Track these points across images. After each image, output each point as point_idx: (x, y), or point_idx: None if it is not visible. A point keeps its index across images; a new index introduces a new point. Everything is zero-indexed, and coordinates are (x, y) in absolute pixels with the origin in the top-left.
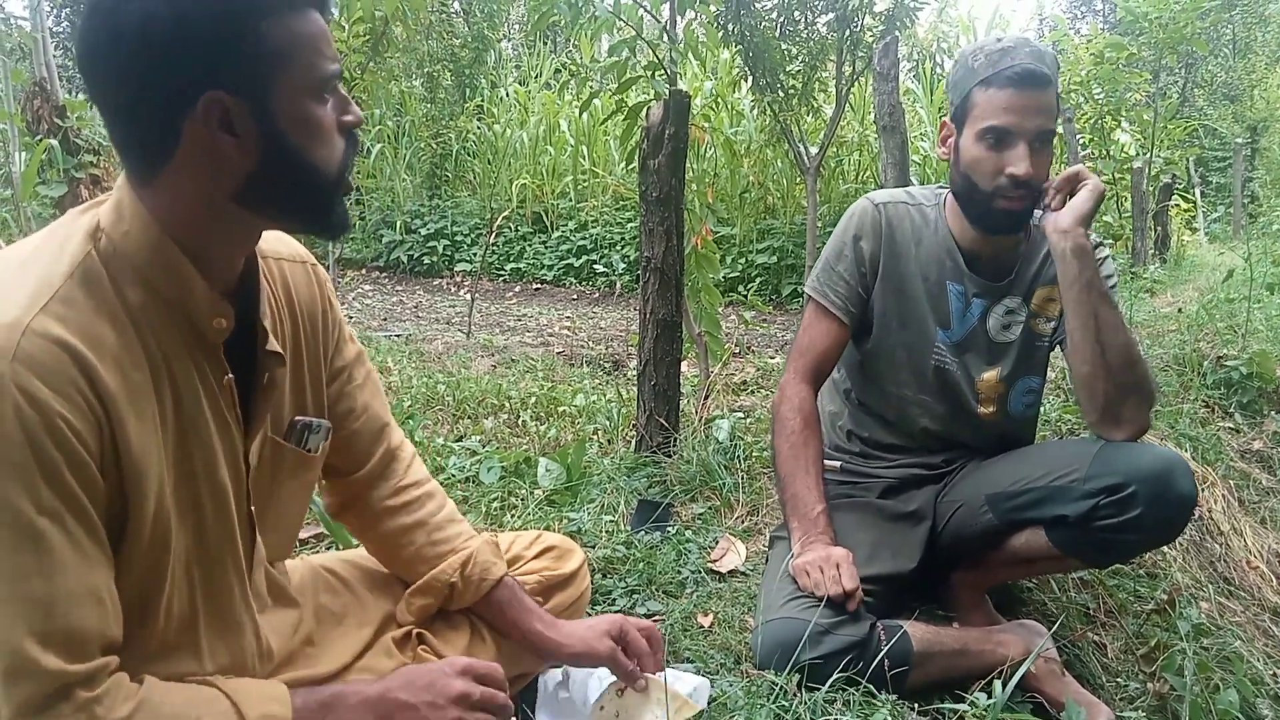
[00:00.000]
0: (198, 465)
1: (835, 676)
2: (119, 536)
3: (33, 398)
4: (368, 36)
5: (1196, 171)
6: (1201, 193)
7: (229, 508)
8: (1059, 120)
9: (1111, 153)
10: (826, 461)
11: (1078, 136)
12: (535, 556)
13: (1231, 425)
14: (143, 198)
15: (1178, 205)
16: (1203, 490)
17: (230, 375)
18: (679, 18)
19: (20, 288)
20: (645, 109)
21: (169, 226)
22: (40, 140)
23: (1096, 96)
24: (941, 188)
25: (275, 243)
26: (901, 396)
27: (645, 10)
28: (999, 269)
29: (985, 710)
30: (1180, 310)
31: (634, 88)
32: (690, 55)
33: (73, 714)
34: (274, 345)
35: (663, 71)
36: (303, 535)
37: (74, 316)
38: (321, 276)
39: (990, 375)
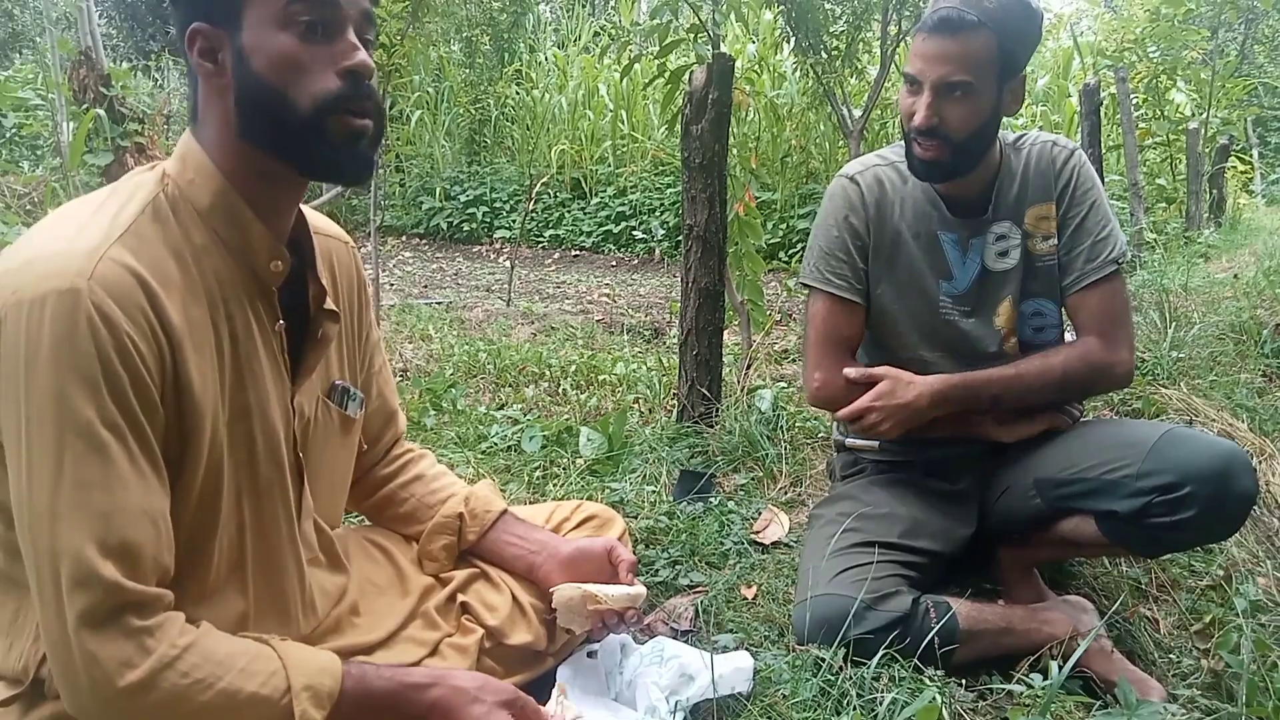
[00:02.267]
0: (251, 402)
1: (881, 653)
2: (177, 469)
3: (106, 316)
4: (406, 5)
5: (1255, 132)
6: (1260, 154)
7: (280, 449)
8: (994, 71)
9: (1166, 113)
10: (863, 441)
11: (1131, 97)
12: (577, 525)
13: None
14: (197, 138)
15: (1234, 167)
16: (1260, 464)
17: (282, 321)
18: None
19: (97, 224)
20: (688, 73)
21: (223, 168)
22: (87, 109)
23: (1151, 55)
24: None
25: (321, 221)
26: (913, 359)
27: None
28: (980, 200)
29: (1041, 691)
30: (1237, 276)
31: (675, 51)
32: (732, 17)
33: (125, 639)
34: (330, 304)
35: (705, 35)
36: None
37: (145, 250)
38: (359, 258)
39: (1004, 305)
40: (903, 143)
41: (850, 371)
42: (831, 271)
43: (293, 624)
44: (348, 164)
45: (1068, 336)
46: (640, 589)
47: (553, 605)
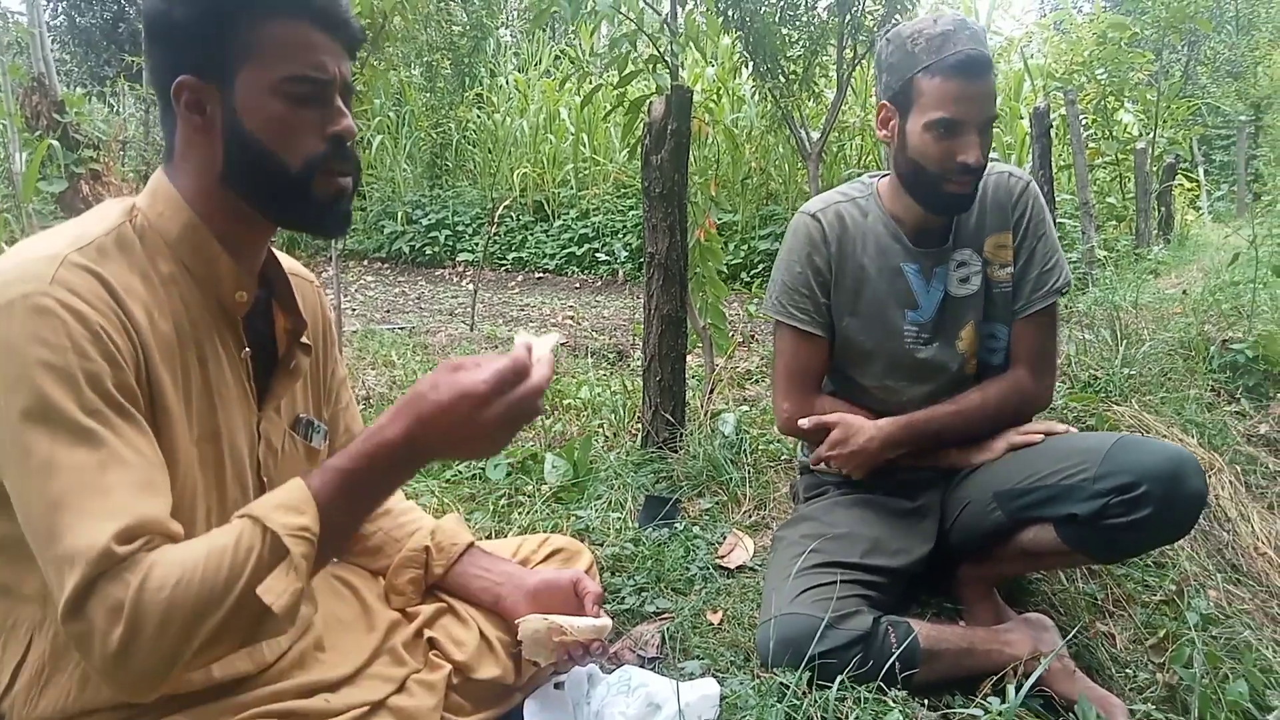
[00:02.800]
0: (220, 425)
1: (844, 675)
2: None
3: (75, 310)
4: (367, 30)
5: (1200, 150)
6: (1205, 171)
7: (245, 473)
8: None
9: (1114, 133)
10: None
11: (1080, 118)
12: (544, 559)
13: (1238, 409)
14: (171, 178)
15: (1181, 185)
16: (1210, 477)
17: (248, 349)
18: (679, 8)
19: (60, 237)
20: (647, 103)
21: (195, 206)
22: (40, 136)
23: (1099, 77)
24: (872, 176)
25: (286, 261)
26: (878, 386)
27: (645, 3)
28: (942, 230)
29: (999, 714)
30: (1185, 292)
31: (635, 80)
32: (692, 43)
33: (104, 596)
34: (306, 339)
35: (664, 65)
36: None
37: (107, 263)
38: (323, 298)
39: (967, 331)
40: (863, 179)
41: (804, 422)
42: (795, 306)
43: (257, 651)
44: (330, 221)
45: None
46: (606, 621)
47: (518, 637)
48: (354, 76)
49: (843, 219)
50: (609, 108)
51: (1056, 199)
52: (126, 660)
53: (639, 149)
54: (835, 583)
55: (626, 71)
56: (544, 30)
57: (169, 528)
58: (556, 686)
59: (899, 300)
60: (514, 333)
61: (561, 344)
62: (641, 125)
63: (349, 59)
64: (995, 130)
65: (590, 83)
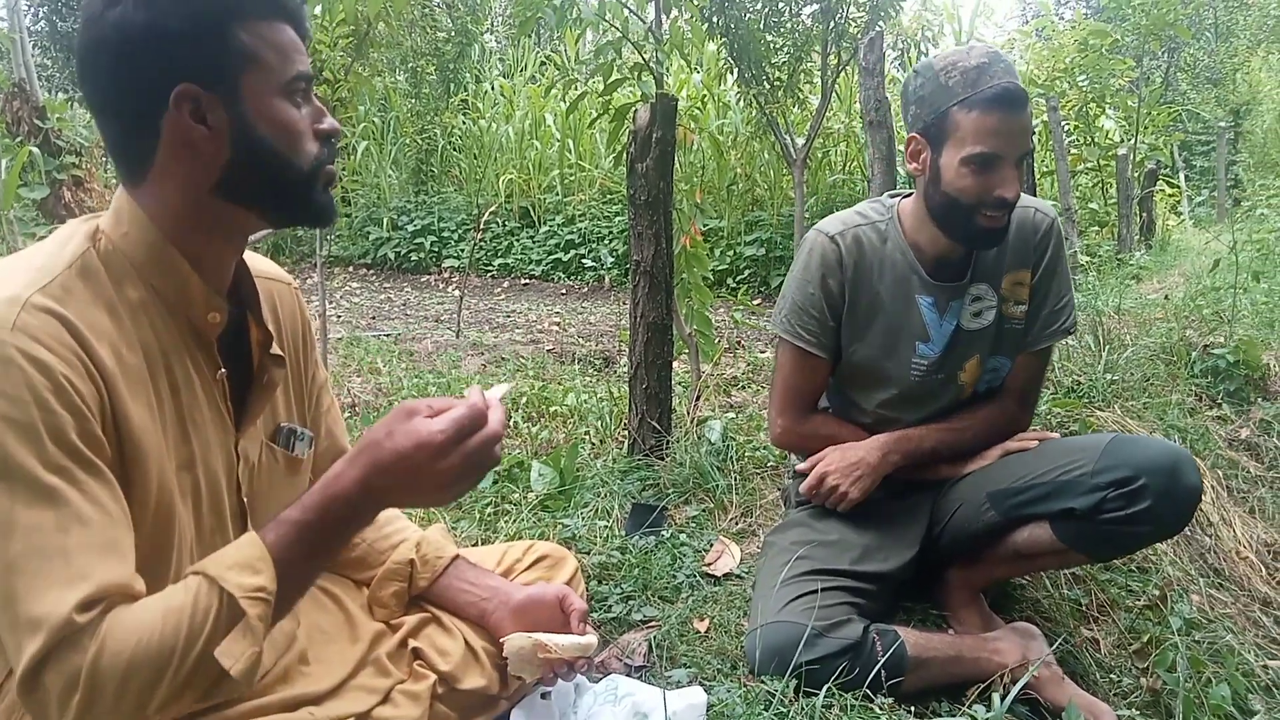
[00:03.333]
0: (196, 452)
1: (831, 683)
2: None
3: (35, 360)
4: (351, 37)
5: (1181, 156)
6: (1186, 177)
7: (221, 498)
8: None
9: (1096, 139)
10: None
11: (1062, 124)
12: (529, 566)
13: (1219, 414)
14: (137, 199)
15: (1162, 190)
16: None
17: (223, 370)
18: (664, 16)
19: (20, 274)
20: (632, 111)
21: (164, 226)
22: (21, 143)
23: (1080, 83)
24: (893, 197)
25: (261, 264)
26: (876, 411)
27: (630, 11)
28: (961, 265)
29: None
30: (1167, 298)
31: (620, 87)
32: (677, 51)
33: (64, 665)
34: (277, 349)
35: (649, 72)
36: None
37: (71, 301)
38: (301, 300)
39: (971, 364)
40: (882, 200)
41: (801, 466)
42: (802, 327)
43: None
44: (329, 209)
45: None
46: (592, 638)
47: (504, 654)
48: (339, 83)
49: (860, 244)
50: (594, 115)
51: None
52: None
53: (624, 157)
54: (824, 590)
55: (611, 79)
56: (529, 36)
57: (131, 589)
58: (543, 696)
59: (911, 332)
60: (472, 387)
61: (511, 392)
62: (626, 133)
63: None
64: None
65: (575, 89)
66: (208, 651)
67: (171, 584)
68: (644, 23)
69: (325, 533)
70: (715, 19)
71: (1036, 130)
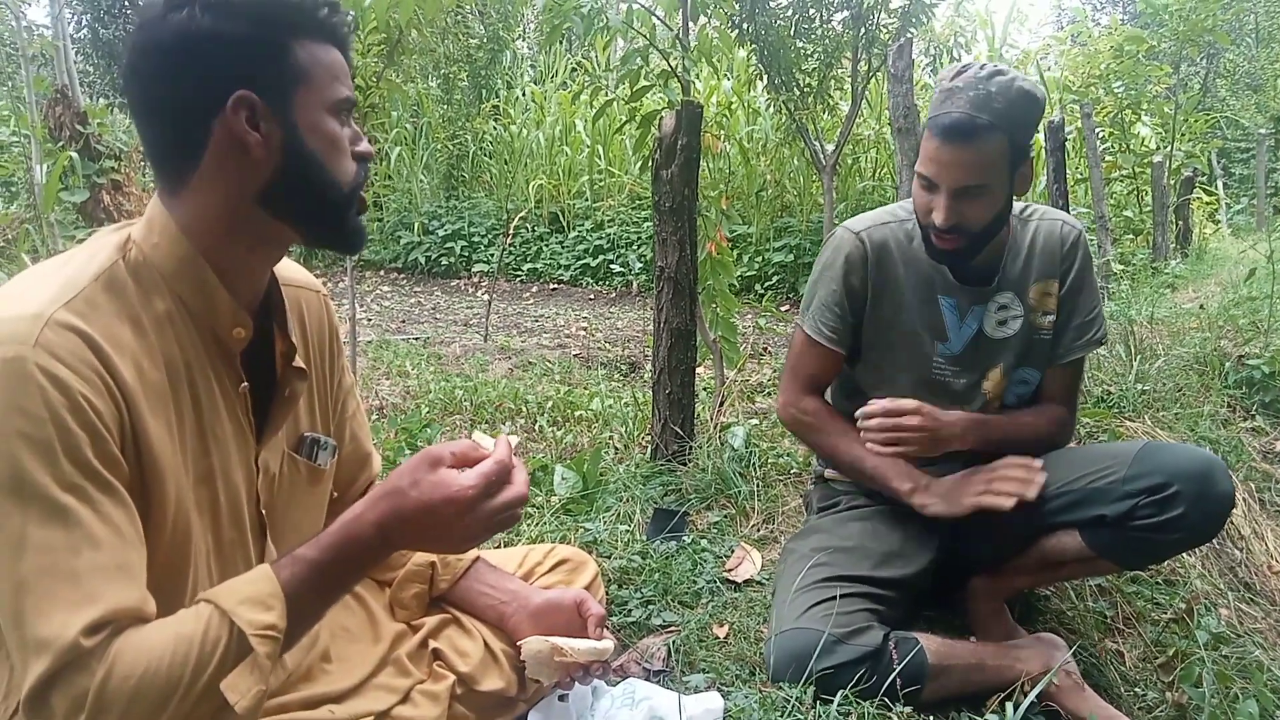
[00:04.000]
0: (215, 466)
1: (851, 690)
2: (142, 527)
3: (55, 378)
4: (382, 44)
5: (1219, 163)
6: (1225, 185)
7: (241, 510)
8: (1006, 166)
9: (1131, 147)
10: (839, 473)
11: (1097, 131)
12: (550, 569)
13: (1253, 426)
14: (172, 210)
15: (1200, 198)
16: None
17: (246, 383)
18: (692, 24)
19: (47, 288)
20: (658, 118)
21: (196, 239)
22: (62, 148)
23: (1116, 90)
24: None
25: (292, 271)
26: None
27: (658, 19)
28: (986, 271)
29: None
30: (1202, 307)
31: (648, 94)
32: (705, 59)
33: (72, 685)
34: (299, 362)
35: (675, 80)
36: None
37: (95, 316)
38: (330, 306)
39: (995, 373)
40: (910, 201)
41: (880, 404)
42: (822, 322)
43: None
44: (361, 234)
45: None
46: (608, 644)
47: (521, 657)
48: (370, 89)
49: (887, 243)
50: (624, 121)
51: (1073, 213)
52: None
53: (649, 163)
54: (844, 597)
55: (638, 86)
56: (560, 42)
57: (141, 611)
58: (561, 699)
59: (932, 331)
60: (472, 433)
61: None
62: (652, 140)
63: None
64: None
65: (603, 96)
66: (214, 684)
67: (188, 599)
68: (671, 30)
69: (338, 572)
70: (745, 25)
71: (1070, 136)
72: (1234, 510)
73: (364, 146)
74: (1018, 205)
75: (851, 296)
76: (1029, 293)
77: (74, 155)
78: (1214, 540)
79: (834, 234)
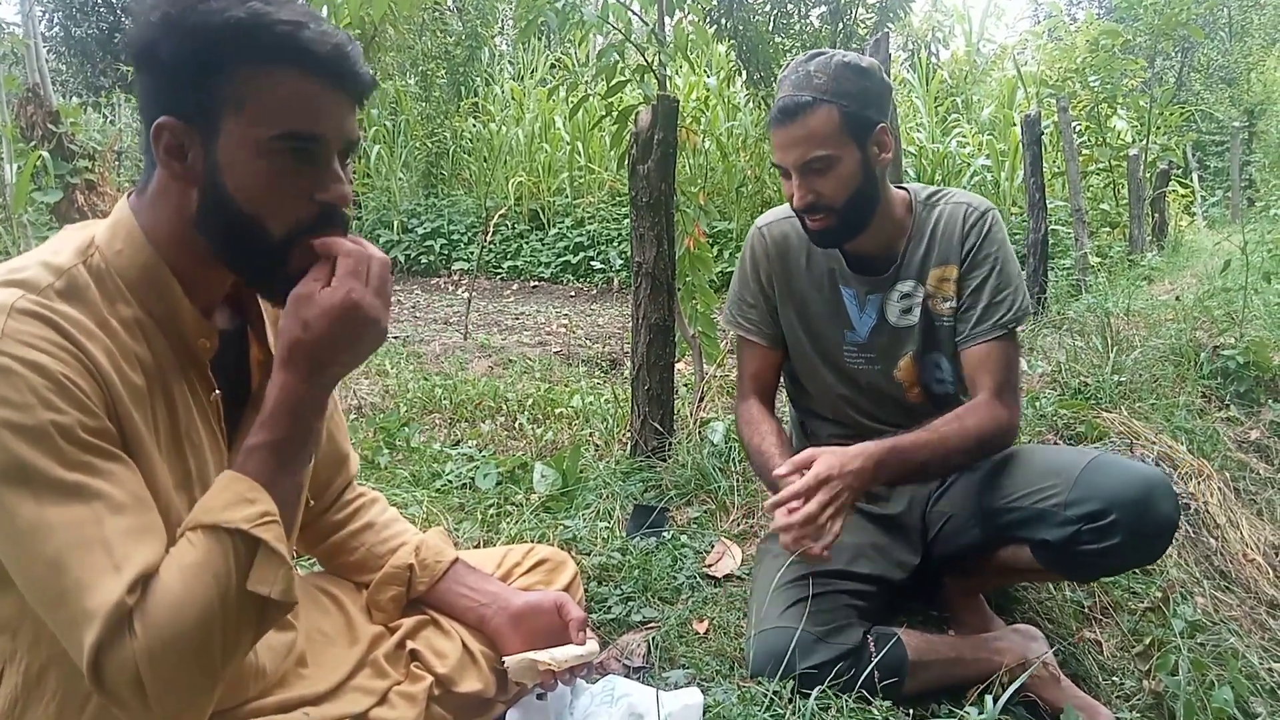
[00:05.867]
0: (193, 471)
1: (831, 684)
2: None
3: (32, 363)
4: (358, 39)
5: (1194, 156)
6: (1200, 177)
7: None
8: (846, 136)
9: (1107, 140)
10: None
11: (1073, 125)
12: (529, 570)
13: (1228, 416)
14: (138, 211)
15: (1175, 191)
16: (1199, 483)
17: (217, 391)
18: (668, 18)
19: (5, 287)
20: (634, 113)
21: (158, 243)
22: (35, 147)
23: (1092, 84)
24: None
25: None
26: (831, 395)
27: (633, 13)
28: (885, 260)
29: None
30: (1178, 299)
31: (625, 89)
32: (681, 54)
33: (122, 648)
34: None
35: (652, 74)
36: None
37: (59, 307)
38: None
39: (905, 361)
40: None
41: (781, 469)
42: (741, 316)
43: (238, 688)
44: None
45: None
46: (593, 647)
47: (508, 675)
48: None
49: (788, 236)
50: (599, 116)
51: (1049, 206)
52: (168, 707)
53: (626, 159)
54: (823, 595)
55: (615, 81)
56: (539, 38)
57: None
58: (539, 697)
59: (837, 319)
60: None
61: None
62: (628, 136)
63: (354, 112)
64: (989, 137)
65: (579, 92)
66: (243, 589)
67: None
68: (647, 25)
69: (292, 437)
70: (724, 21)
71: (1047, 130)
72: (1210, 500)
73: (331, 194)
74: (925, 190)
75: (761, 289)
76: (928, 279)
77: (46, 155)
78: (1190, 530)
79: (749, 233)
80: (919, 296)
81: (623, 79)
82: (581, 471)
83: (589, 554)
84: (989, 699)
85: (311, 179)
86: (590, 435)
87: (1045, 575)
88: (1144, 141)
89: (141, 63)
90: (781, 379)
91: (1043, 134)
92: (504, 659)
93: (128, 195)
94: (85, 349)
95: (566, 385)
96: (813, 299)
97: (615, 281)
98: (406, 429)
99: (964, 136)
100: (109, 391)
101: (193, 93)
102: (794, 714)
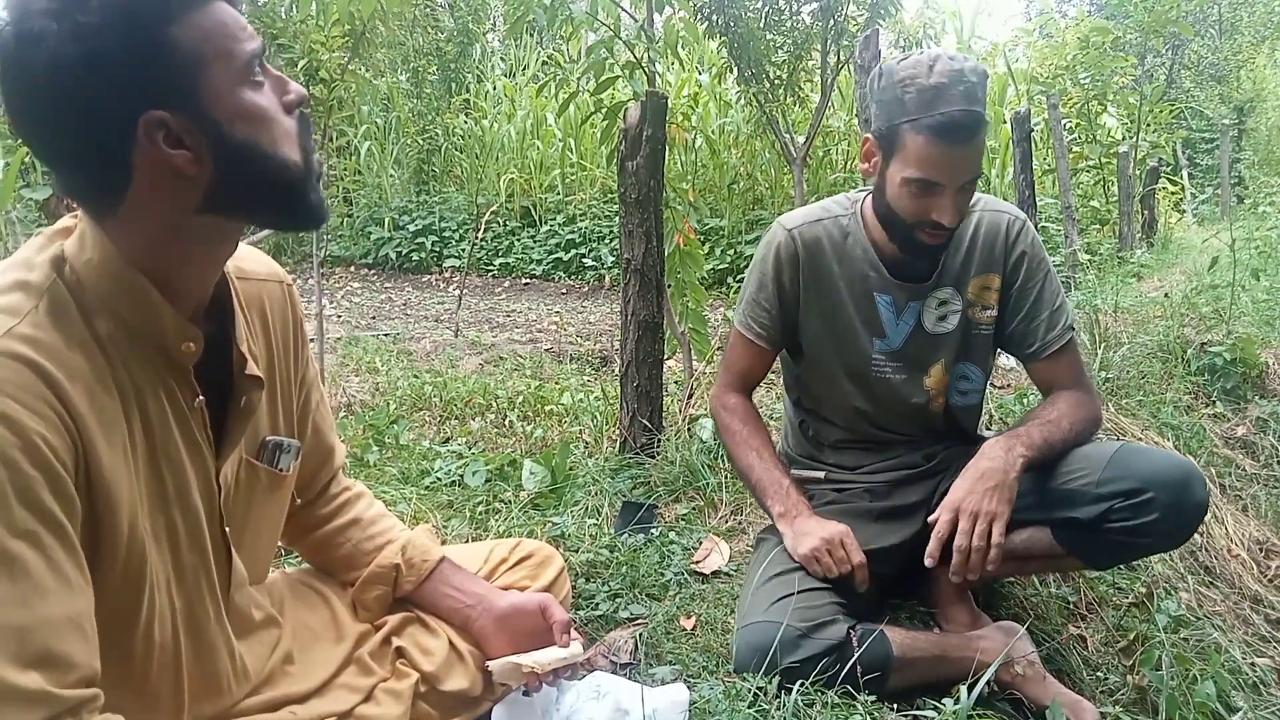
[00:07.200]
0: (170, 490)
1: (816, 679)
2: (92, 563)
3: (6, 417)
4: (346, 38)
5: (1184, 153)
6: (1189, 174)
7: (202, 531)
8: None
9: (1097, 137)
10: (809, 473)
11: (1063, 122)
12: (515, 564)
13: (1215, 412)
14: (105, 229)
15: (1165, 188)
16: None
17: (201, 398)
18: (657, 15)
19: None
20: (623, 110)
21: (132, 255)
22: (20, 143)
23: (1082, 81)
24: (861, 192)
25: (253, 263)
26: (845, 406)
27: (623, 10)
28: (925, 267)
29: (953, 714)
30: (1166, 295)
31: (614, 86)
32: (671, 51)
33: None
34: (254, 369)
35: (641, 71)
36: None
37: (44, 340)
38: (295, 296)
39: (936, 368)
40: (851, 194)
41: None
42: (753, 319)
43: (225, 695)
44: (322, 209)
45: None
46: (576, 649)
47: (493, 677)
48: (336, 83)
49: (819, 240)
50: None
51: (1039, 203)
52: None
53: (615, 155)
54: (810, 590)
55: (604, 78)
56: (530, 35)
57: (91, 666)
58: (525, 694)
59: (869, 327)
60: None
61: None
62: (618, 132)
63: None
64: None
65: (568, 88)
66: None
67: (141, 628)
68: (635, 20)
69: None
70: (715, 17)
71: (1037, 127)
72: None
73: (292, 93)
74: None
75: (782, 294)
76: (968, 287)
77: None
78: (1186, 542)
79: (769, 231)
80: (957, 304)
81: (612, 75)
82: (570, 469)
83: (577, 551)
84: (963, 689)
85: (276, 90)
86: (580, 432)
87: (1056, 563)
88: (1134, 138)
89: (78, 83)
90: (783, 380)
91: (1033, 131)
92: (488, 662)
93: (90, 216)
94: (65, 397)
95: (557, 382)
96: (843, 306)
97: (607, 279)
98: (396, 426)
99: None
100: (83, 443)
101: (157, 75)
102: (778, 709)
